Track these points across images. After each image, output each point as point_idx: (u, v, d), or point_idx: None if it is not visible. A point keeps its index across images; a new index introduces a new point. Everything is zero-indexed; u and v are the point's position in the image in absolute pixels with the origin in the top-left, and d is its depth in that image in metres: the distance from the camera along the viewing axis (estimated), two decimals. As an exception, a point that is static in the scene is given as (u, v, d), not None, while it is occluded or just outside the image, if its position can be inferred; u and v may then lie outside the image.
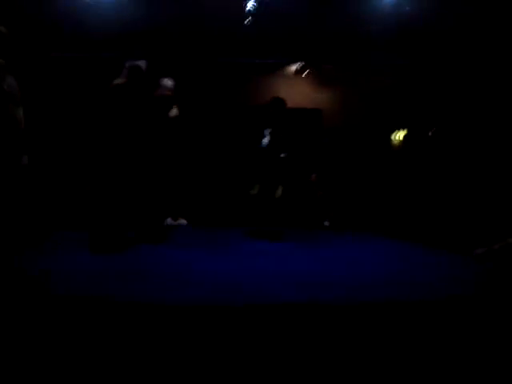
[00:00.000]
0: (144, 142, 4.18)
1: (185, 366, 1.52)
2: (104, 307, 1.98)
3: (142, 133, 4.14)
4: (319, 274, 3.08)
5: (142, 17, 6.11)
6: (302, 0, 5.99)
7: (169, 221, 6.51)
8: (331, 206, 7.12)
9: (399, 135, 8.08)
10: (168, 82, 4.44)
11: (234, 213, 6.57)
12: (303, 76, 8.15)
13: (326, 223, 7.11)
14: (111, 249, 3.78)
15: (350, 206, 7.32)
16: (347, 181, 7.77)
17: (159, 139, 4.39)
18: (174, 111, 4.43)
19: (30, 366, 1.51)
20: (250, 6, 5.98)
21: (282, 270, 3.19)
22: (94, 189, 4.07)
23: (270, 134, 5.14)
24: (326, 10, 6.12)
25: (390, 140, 8.09)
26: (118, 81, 4.02)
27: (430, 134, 7.82)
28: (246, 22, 6.06)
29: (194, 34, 6.74)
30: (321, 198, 7.10)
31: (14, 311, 1.89)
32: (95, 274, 2.80)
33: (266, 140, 5.14)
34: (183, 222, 6.64)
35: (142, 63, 4.10)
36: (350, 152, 7.91)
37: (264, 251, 4.23)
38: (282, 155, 5.13)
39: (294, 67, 8.01)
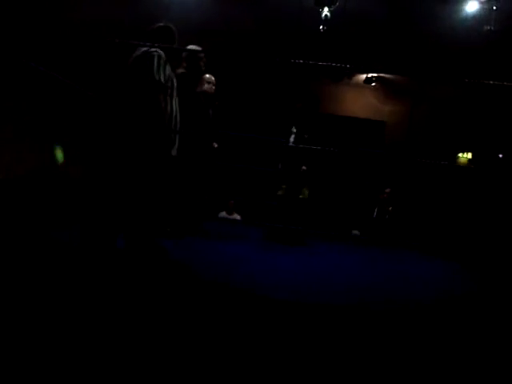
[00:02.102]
0: (198, 133, 4.29)
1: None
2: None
3: (199, 121, 4.24)
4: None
5: (219, 16, 6.33)
6: (379, 9, 5.96)
7: (223, 214, 6.70)
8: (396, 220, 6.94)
9: (465, 156, 7.84)
10: (212, 79, 4.48)
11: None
12: (372, 86, 8.08)
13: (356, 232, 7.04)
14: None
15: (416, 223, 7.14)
16: (415, 198, 7.62)
17: (207, 131, 4.48)
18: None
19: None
20: (325, 12, 6.02)
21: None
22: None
23: (296, 133, 4.89)
24: (403, 20, 6.06)
25: (455, 159, 7.87)
26: (179, 70, 4.11)
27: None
28: (320, 29, 6.10)
29: (268, 35, 6.87)
30: (390, 213, 6.94)
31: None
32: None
33: (291, 138, 4.88)
34: (237, 217, 6.79)
35: (194, 47, 4.17)
36: (413, 167, 7.75)
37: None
38: (304, 168, 4.87)
39: (363, 76, 7.95)
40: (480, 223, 6.84)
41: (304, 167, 4.90)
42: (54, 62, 6.17)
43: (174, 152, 2.95)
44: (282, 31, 6.77)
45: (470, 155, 7.83)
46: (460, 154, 7.91)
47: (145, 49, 2.87)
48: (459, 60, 6.25)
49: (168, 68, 2.89)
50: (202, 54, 4.31)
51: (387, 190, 7.02)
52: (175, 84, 2.97)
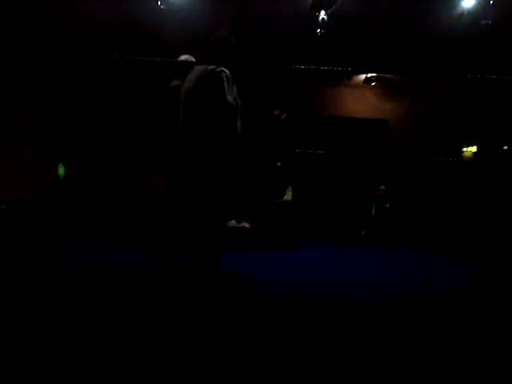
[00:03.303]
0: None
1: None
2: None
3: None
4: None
5: (212, 24, 6.35)
6: (375, 8, 5.97)
7: (233, 223, 6.69)
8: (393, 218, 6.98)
9: (470, 150, 7.83)
10: None
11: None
12: (372, 85, 8.09)
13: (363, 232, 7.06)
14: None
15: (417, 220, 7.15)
16: (414, 194, 7.64)
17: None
18: None
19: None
20: (322, 16, 6.05)
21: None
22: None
23: (273, 136, 5.02)
24: (399, 19, 6.08)
25: (460, 153, 7.86)
26: (175, 83, 4.04)
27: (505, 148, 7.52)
28: (318, 32, 6.12)
29: (265, 41, 6.88)
30: (387, 211, 7.01)
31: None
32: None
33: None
34: (246, 225, 6.78)
35: (186, 57, 4.04)
36: (417, 164, 7.76)
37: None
38: (278, 164, 4.95)
39: (362, 77, 7.96)
40: (484, 217, 6.85)
41: (279, 163, 4.92)
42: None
43: (231, 170, 2.95)
44: (278, 36, 6.78)
45: (474, 148, 7.82)
46: (465, 148, 7.90)
47: (211, 67, 2.79)
48: (459, 55, 6.26)
49: (234, 87, 2.84)
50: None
51: (382, 187, 7.12)
52: (239, 102, 2.90)
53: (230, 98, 2.74)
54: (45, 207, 6.45)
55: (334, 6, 5.95)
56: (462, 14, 5.70)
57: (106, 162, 8.24)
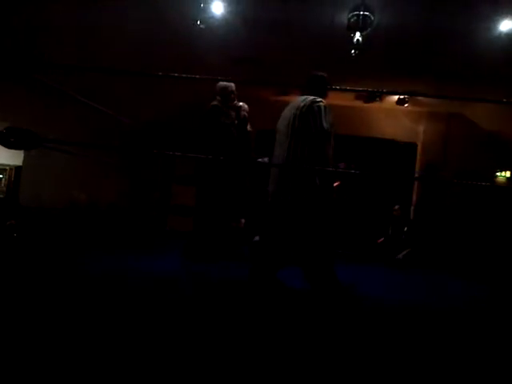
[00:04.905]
0: (232, 153, 4.52)
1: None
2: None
3: (232, 145, 4.49)
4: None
5: (251, 43, 6.49)
6: (411, 29, 5.98)
7: (257, 238, 6.69)
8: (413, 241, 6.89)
9: (504, 175, 7.67)
10: (245, 106, 4.77)
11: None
12: (404, 107, 8.07)
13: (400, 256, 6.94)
14: (201, 258, 4.14)
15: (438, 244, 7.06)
16: (440, 218, 7.53)
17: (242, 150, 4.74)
18: (249, 126, 4.78)
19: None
20: (357, 37, 6.09)
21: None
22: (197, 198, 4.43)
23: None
24: (433, 42, 6.08)
25: (493, 179, 7.71)
26: (213, 103, 4.48)
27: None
28: (352, 53, 6.17)
29: (299, 60, 6.97)
30: (405, 233, 6.98)
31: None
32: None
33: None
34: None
35: (229, 84, 4.51)
36: (447, 188, 7.66)
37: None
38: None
39: (395, 97, 7.94)
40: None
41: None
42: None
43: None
44: (313, 56, 6.86)
45: (508, 174, 7.66)
46: (498, 173, 7.74)
47: (311, 98, 3.07)
48: (495, 78, 6.20)
49: (330, 116, 3.07)
50: (234, 88, 4.59)
51: (396, 207, 7.12)
52: (334, 131, 3.13)
53: (325, 125, 2.98)
54: (77, 216, 6.65)
55: (369, 29, 6.01)
56: (499, 36, 5.64)
57: (140, 174, 8.48)
